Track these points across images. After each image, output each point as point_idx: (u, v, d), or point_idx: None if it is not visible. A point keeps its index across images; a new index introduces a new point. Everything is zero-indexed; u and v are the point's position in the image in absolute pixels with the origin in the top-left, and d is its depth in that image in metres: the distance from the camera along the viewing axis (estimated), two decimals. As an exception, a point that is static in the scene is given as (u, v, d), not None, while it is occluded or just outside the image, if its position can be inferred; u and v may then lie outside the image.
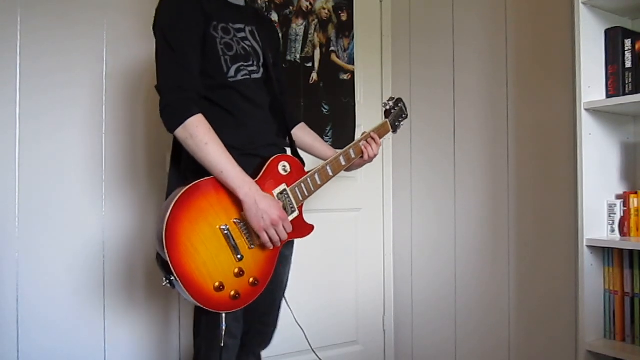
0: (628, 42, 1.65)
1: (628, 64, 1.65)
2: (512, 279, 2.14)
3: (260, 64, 1.54)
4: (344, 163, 1.63)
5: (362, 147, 1.66)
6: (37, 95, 1.85)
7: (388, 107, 1.79)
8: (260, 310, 1.56)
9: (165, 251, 1.26)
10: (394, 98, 1.83)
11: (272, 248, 1.42)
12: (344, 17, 2.60)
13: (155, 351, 2.08)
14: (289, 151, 1.65)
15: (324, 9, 2.54)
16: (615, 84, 1.66)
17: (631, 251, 1.65)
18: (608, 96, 1.68)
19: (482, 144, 2.26)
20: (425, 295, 2.54)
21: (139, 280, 2.04)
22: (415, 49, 2.60)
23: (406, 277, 2.64)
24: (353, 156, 1.66)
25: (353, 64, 2.62)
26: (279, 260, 1.50)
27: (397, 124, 1.83)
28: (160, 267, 1.33)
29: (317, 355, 2.05)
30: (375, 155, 1.70)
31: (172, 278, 1.29)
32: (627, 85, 1.64)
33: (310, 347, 1.95)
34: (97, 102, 1.96)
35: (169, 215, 1.27)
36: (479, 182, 2.28)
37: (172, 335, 2.12)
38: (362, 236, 2.65)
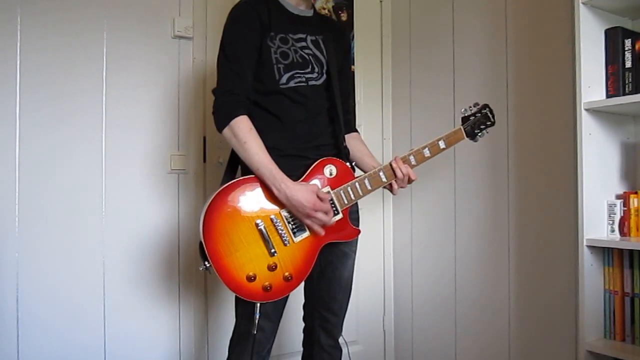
0: (628, 42, 1.65)
1: (628, 64, 1.64)
2: (512, 279, 2.14)
3: (324, 71, 1.62)
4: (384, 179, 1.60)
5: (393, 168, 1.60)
6: (37, 92, 1.85)
7: (467, 114, 1.70)
8: (324, 300, 1.68)
9: (202, 239, 1.40)
10: (478, 104, 1.72)
11: (322, 233, 1.50)
12: (344, 17, 2.60)
13: (155, 351, 2.08)
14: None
15: (324, 9, 2.54)
16: (615, 84, 1.66)
17: (631, 251, 1.64)
18: (608, 96, 1.68)
19: (482, 144, 2.25)
20: (426, 295, 2.54)
21: (140, 279, 2.04)
22: (416, 49, 2.60)
23: (406, 277, 2.64)
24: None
25: (353, 64, 2.62)
26: (338, 255, 1.66)
27: (477, 131, 1.71)
28: (200, 253, 1.44)
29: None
30: (407, 179, 1.61)
31: (208, 264, 1.41)
32: (627, 85, 1.64)
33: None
34: (97, 99, 1.96)
35: (208, 207, 1.41)
36: (479, 182, 2.27)
37: (173, 335, 2.12)
38: (362, 236, 2.63)
